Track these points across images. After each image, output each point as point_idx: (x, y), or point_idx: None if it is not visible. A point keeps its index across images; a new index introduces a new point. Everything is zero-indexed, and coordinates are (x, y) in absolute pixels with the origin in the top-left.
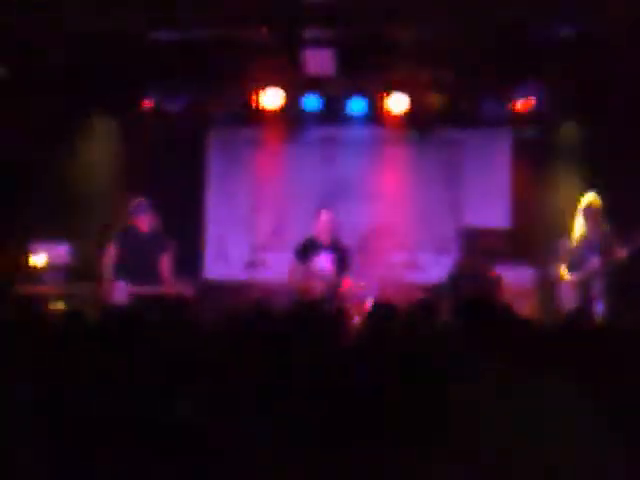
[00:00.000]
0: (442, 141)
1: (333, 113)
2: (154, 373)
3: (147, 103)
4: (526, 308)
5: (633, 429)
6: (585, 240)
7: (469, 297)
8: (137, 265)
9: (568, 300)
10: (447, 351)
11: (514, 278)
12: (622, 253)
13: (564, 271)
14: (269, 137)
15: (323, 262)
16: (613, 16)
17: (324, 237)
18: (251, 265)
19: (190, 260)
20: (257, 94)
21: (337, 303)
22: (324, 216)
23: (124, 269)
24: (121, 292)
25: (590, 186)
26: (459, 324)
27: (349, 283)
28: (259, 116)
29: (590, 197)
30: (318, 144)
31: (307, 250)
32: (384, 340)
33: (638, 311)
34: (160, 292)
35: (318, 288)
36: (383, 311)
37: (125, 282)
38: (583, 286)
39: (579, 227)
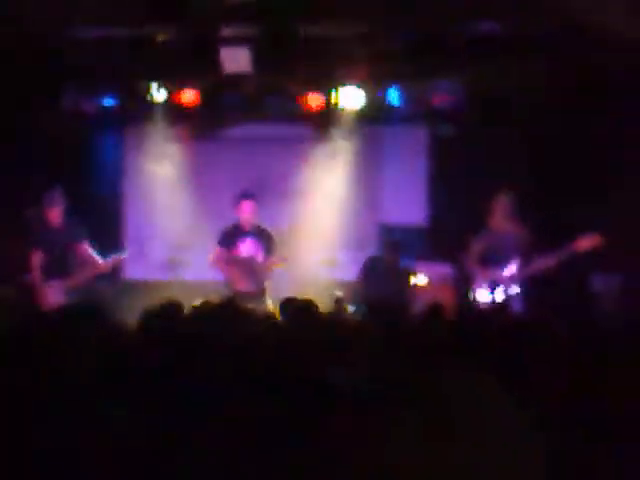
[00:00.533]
0: (360, 138)
1: (251, 111)
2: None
3: (66, 102)
4: (444, 304)
5: (548, 424)
6: (499, 237)
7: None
8: (61, 260)
9: (483, 296)
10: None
11: (432, 275)
12: (549, 262)
13: (476, 265)
14: (187, 134)
15: (248, 246)
16: (535, 14)
17: (247, 224)
18: (170, 265)
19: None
20: (176, 92)
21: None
22: (246, 204)
23: (50, 268)
24: (55, 292)
25: (506, 186)
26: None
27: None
28: (177, 113)
29: (505, 195)
30: (236, 142)
31: (231, 236)
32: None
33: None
34: (88, 274)
35: (243, 271)
36: (294, 309)
37: (54, 281)
38: (497, 285)
39: (494, 224)
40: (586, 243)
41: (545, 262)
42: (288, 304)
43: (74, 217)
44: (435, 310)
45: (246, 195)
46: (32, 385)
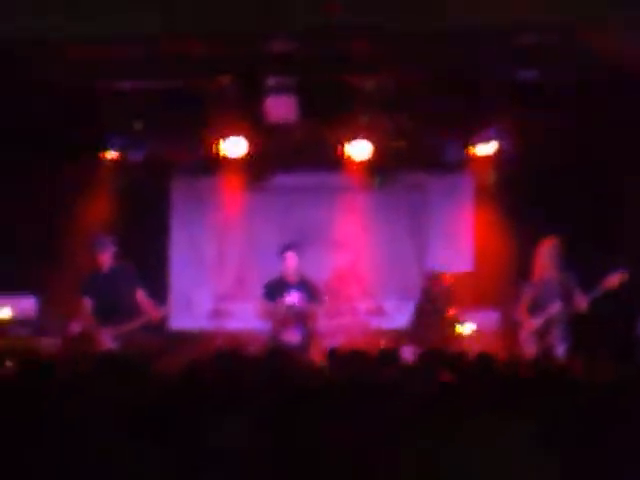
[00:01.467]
0: (405, 186)
1: (296, 160)
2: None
3: (111, 152)
4: (490, 351)
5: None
6: (545, 284)
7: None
8: (112, 306)
9: (529, 344)
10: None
11: (478, 322)
12: (583, 302)
13: (525, 315)
14: (231, 185)
15: (293, 298)
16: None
17: (291, 276)
18: (215, 315)
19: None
20: (219, 142)
21: (309, 339)
22: (290, 256)
23: (102, 314)
24: (107, 338)
25: (551, 231)
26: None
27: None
28: (221, 164)
29: (550, 241)
30: (280, 192)
31: (276, 289)
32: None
33: (593, 359)
34: (142, 321)
35: (289, 322)
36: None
37: (107, 327)
38: (543, 331)
39: (539, 271)
40: (615, 280)
41: (580, 301)
42: (335, 354)
43: (126, 262)
44: (484, 360)
45: (290, 246)
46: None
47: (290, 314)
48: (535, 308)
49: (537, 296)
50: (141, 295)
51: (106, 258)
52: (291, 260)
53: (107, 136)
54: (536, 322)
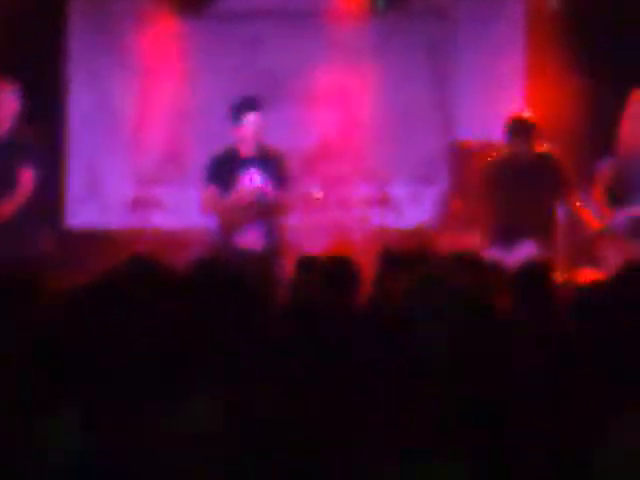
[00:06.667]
0: (421, 12)
1: None
2: None
3: None
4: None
5: None
6: (636, 161)
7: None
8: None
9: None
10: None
11: None
12: None
13: (602, 205)
14: (157, 9)
15: (253, 179)
16: None
17: (247, 147)
18: (136, 206)
19: (45, 197)
20: None
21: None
22: (250, 119)
23: None
24: None
25: None
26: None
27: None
28: None
29: None
30: (232, 20)
31: (226, 167)
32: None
33: None
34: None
35: (248, 217)
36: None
37: None
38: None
39: (628, 141)
40: None
41: None
42: (310, 265)
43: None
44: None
45: (250, 103)
46: None
47: (249, 204)
48: (619, 198)
49: (623, 178)
50: (27, 177)
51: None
52: (251, 125)
53: None
54: (617, 218)
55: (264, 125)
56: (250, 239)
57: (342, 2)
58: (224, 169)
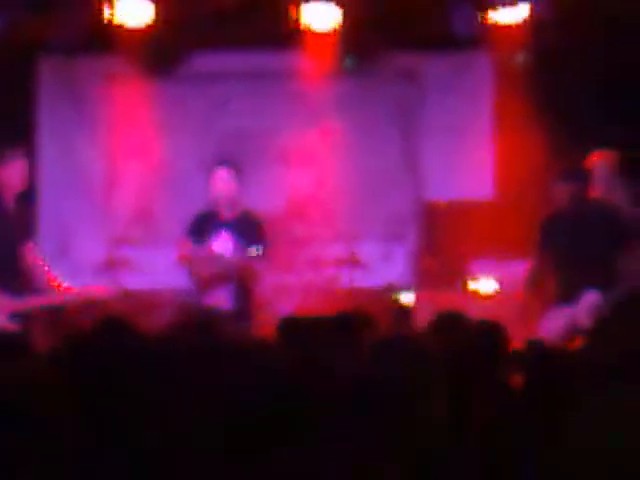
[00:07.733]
0: (391, 72)
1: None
2: None
3: None
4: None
5: None
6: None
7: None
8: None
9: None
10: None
11: (502, 277)
12: None
13: None
14: (127, 71)
15: (224, 242)
16: None
17: (226, 209)
18: (107, 266)
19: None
20: (111, 4)
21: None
22: (220, 175)
23: None
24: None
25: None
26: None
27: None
28: (112, 39)
29: (603, 156)
30: (203, 80)
31: (202, 226)
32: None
33: None
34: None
35: (220, 279)
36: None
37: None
38: None
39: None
40: None
41: None
42: (290, 326)
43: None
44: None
45: (221, 160)
46: None
47: (220, 267)
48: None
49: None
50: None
51: (14, 182)
52: (222, 181)
53: None
54: None
55: (239, 186)
56: (219, 299)
57: (311, 63)
58: (202, 228)
